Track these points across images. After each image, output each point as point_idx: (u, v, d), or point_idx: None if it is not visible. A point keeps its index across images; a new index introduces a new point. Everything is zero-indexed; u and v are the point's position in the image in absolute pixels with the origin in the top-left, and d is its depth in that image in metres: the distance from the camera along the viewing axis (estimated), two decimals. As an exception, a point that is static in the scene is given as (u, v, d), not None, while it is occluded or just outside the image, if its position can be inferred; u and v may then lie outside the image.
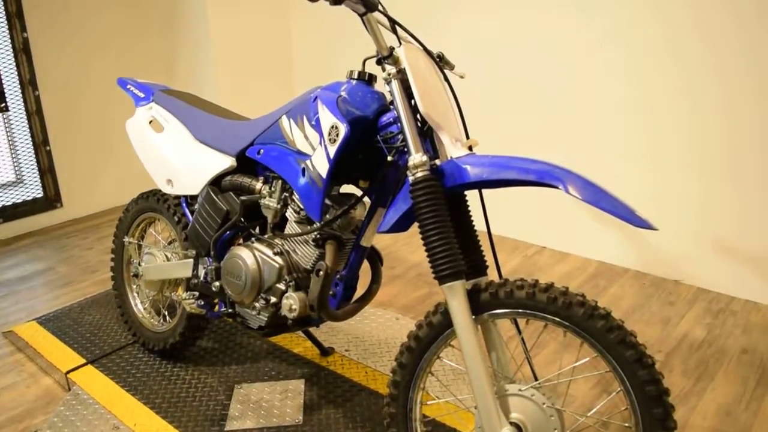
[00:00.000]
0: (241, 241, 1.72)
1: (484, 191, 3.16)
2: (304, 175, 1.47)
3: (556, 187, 1.18)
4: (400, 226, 1.38)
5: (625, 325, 1.20)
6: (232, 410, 1.85)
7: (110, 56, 3.73)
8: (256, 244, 1.63)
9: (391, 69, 1.34)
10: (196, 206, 1.77)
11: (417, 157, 1.28)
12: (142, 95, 2.00)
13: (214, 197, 1.69)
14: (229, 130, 1.74)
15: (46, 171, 3.61)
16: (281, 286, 1.57)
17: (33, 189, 3.62)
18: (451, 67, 1.69)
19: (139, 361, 2.13)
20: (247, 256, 1.60)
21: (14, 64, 3.36)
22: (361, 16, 1.30)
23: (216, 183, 1.75)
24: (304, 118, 1.49)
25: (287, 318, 1.57)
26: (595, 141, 2.79)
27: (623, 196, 2.73)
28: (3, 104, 3.32)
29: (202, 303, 1.76)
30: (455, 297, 1.26)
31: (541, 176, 1.19)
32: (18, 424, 1.95)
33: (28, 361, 2.28)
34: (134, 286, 2.21)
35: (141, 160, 1.95)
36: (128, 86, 2.05)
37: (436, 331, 1.34)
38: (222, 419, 1.81)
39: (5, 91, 3.37)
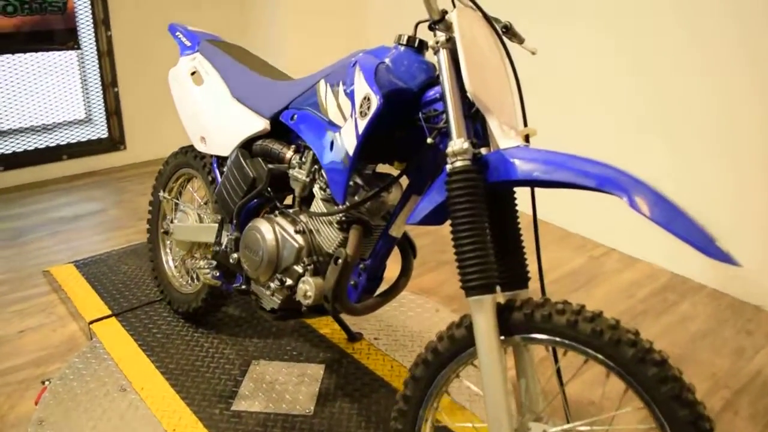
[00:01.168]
0: (266, 212, 1.58)
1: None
2: (332, 149, 1.30)
3: (620, 197, 0.96)
4: (434, 218, 1.19)
5: (683, 378, 0.97)
6: (243, 388, 1.74)
7: (185, 1, 3.66)
8: (279, 219, 1.49)
9: (440, 36, 1.14)
10: (225, 169, 1.64)
11: (458, 143, 1.09)
12: (188, 44, 1.88)
13: (243, 162, 1.55)
14: (267, 90, 1.59)
15: (113, 112, 3.61)
16: (299, 268, 1.42)
17: (99, 129, 3.63)
18: (520, 41, 1.46)
19: (162, 320, 2.06)
20: (267, 231, 1.46)
21: (89, 2, 3.34)
22: None
23: (248, 146, 1.61)
24: (340, 85, 1.31)
25: (301, 304, 1.43)
26: (678, 149, 2.47)
27: (704, 216, 2.42)
28: (74, 42, 3.31)
29: (218, 274, 1.64)
30: (482, 314, 1.07)
31: (603, 183, 0.97)
32: (35, 369, 1.93)
33: (60, 304, 2.27)
34: (168, 243, 2.13)
35: (178, 112, 1.83)
36: (177, 33, 1.93)
37: (457, 346, 1.16)
38: (231, 396, 1.71)
39: (79, 29, 3.35)
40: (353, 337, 1.96)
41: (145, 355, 1.88)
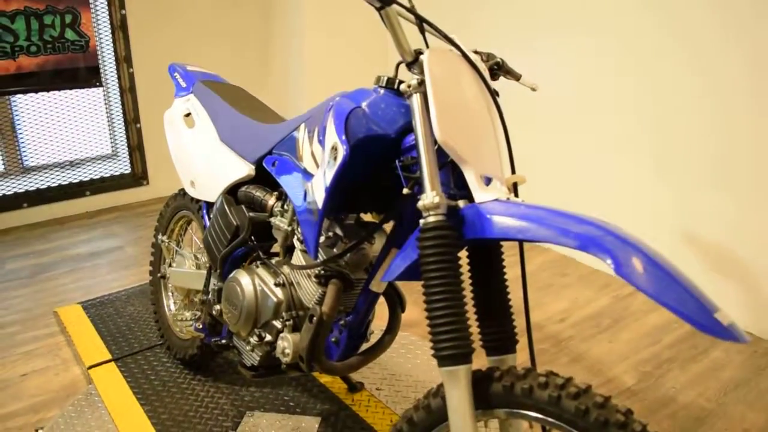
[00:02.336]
0: (251, 262, 1.52)
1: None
2: (305, 199, 1.23)
3: (604, 261, 0.86)
4: (410, 275, 1.10)
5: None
6: (234, 442, 1.66)
7: (206, 36, 3.69)
8: (261, 270, 1.42)
9: (413, 79, 1.06)
10: (212, 215, 1.59)
11: (429, 195, 1.00)
12: (183, 85, 1.85)
13: (227, 209, 1.49)
14: (253, 133, 1.53)
15: (135, 148, 3.64)
16: (278, 323, 1.35)
17: (123, 164, 3.67)
18: (516, 77, 1.37)
19: (161, 366, 2.01)
20: (246, 283, 1.39)
21: (111, 40, 3.39)
22: (378, 10, 1.03)
23: (234, 192, 1.55)
24: (315, 131, 1.24)
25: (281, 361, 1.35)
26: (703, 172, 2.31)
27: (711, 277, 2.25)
28: (97, 80, 3.36)
29: (200, 326, 1.58)
30: (455, 386, 0.97)
31: (586, 243, 0.87)
32: (33, 415, 1.89)
33: (66, 346, 2.24)
34: (169, 286, 2.09)
35: (171, 155, 1.80)
36: (175, 73, 1.91)
37: (434, 418, 1.06)
38: (221, 452, 1.63)
39: (102, 66, 3.41)
40: (353, 387, 1.86)
41: (139, 404, 1.82)
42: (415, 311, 2.22)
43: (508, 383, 0.97)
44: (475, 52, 1.27)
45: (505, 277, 1.14)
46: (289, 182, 1.31)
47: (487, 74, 1.16)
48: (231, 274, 1.45)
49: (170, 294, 2.09)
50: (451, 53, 1.11)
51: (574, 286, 2.60)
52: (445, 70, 1.06)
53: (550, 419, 0.93)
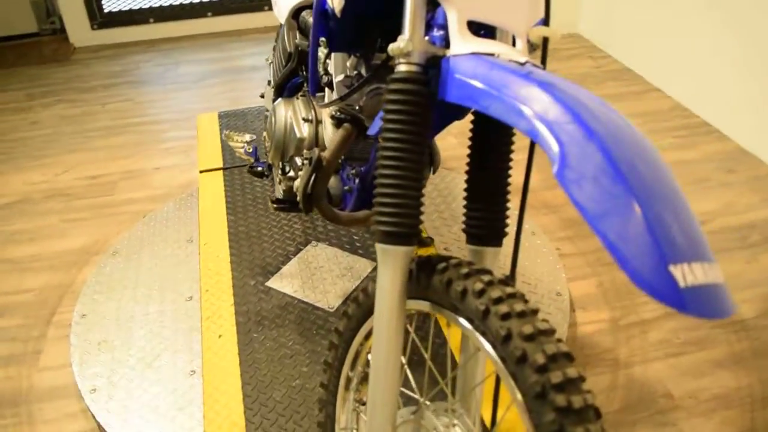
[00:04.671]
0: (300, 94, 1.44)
1: None
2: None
3: (548, 155, 0.64)
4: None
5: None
6: (288, 267, 1.72)
7: None
8: (299, 102, 1.34)
9: None
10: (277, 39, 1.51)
11: (401, 39, 0.81)
12: None
13: (284, 33, 1.40)
14: None
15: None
16: (299, 160, 1.28)
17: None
18: None
19: (259, 183, 2.10)
20: (280, 114, 1.33)
21: None
22: None
23: (298, 16, 1.44)
24: None
25: (298, 197, 1.30)
26: None
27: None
28: None
29: (250, 150, 1.57)
30: (386, 267, 0.85)
31: (535, 129, 0.66)
32: (150, 204, 2.13)
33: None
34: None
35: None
36: None
37: (364, 310, 0.96)
38: (274, 272, 1.70)
39: None
40: (422, 241, 1.79)
41: (226, 212, 1.95)
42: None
43: (445, 279, 0.82)
44: None
45: (510, 157, 0.93)
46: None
47: None
48: (274, 103, 1.40)
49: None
50: None
51: (737, 186, 2.13)
52: None
53: (475, 333, 0.78)
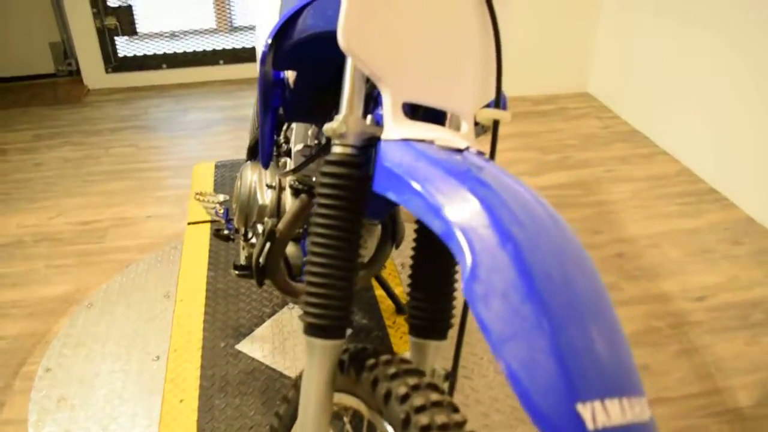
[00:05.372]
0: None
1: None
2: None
3: (459, 264, 0.59)
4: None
5: None
6: (260, 330, 1.67)
7: None
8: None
9: None
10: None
11: (336, 119, 0.77)
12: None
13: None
14: None
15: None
16: (260, 227, 1.24)
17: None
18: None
19: (246, 237, 2.07)
20: (246, 179, 1.30)
21: None
22: None
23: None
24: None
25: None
26: None
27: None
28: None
29: (222, 211, 1.54)
30: (312, 361, 0.79)
31: (450, 231, 0.60)
32: (137, 254, 2.11)
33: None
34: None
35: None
36: None
37: (294, 409, 0.90)
38: (245, 334, 1.65)
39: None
40: (400, 309, 1.72)
41: (207, 267, 1.92)
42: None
43: (372, 378, 0.76)
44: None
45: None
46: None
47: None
48: (243, 165, 1.37)
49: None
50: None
51: (743, 259, 2.03)
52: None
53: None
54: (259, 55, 1.63)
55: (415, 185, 0.65)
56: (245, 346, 1.61)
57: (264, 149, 1.02)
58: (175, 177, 2.60)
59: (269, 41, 0.91)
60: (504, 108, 0.99)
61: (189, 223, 2.14)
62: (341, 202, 0.77)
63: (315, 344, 0.78)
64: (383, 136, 0.75)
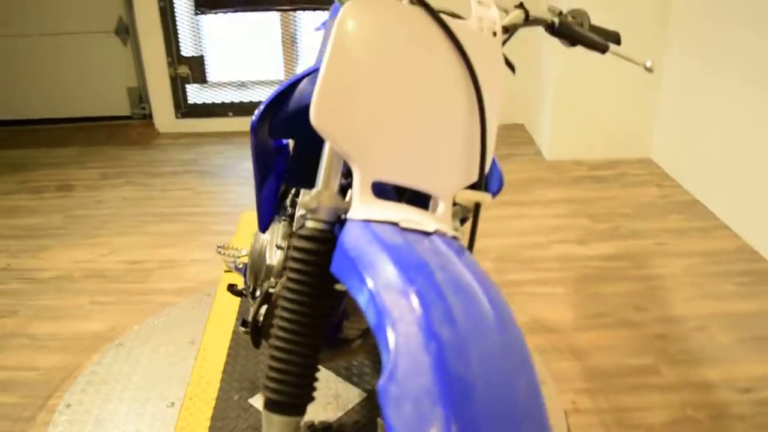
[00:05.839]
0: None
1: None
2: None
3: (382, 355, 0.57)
4: None
5: None
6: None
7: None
8: (279, 226, 1.32)
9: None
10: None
11: (310, 194, 0.77)
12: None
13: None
14: None
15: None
16: (266, 286, 1.25)
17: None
18: (602, 48, 0.97)
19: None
20: (260, 236, 1.32)
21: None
22: None
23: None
24: None
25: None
26: None
27: None
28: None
29: (241, 266, 1.56)
30: None
31: (380, 324, 0.58)
32: (174, 296, 2.17)
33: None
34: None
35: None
36: None
37: None
38: (259, 388, 1.65)
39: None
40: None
41: (236, 317, 1.94)
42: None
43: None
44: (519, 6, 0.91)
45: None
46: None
47: (474, 42, 0.81)
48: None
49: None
50: (405, 6, 0.81)
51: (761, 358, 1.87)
52: (375, 28, 0.78)
53: None
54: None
55: (362, 270, 0.64)
56: (258, 401, 1.61)
57: (262, 214, 1.04)
58: (223, 223, 2.68)
59: (261, 110, 0.94)
60: (499, 188, 0.97)
61: (226, 271, 2.19)
62: (307, 278, 0.76)
63: (273, 420, 0.77)
64: (348, 215, 0.74)
